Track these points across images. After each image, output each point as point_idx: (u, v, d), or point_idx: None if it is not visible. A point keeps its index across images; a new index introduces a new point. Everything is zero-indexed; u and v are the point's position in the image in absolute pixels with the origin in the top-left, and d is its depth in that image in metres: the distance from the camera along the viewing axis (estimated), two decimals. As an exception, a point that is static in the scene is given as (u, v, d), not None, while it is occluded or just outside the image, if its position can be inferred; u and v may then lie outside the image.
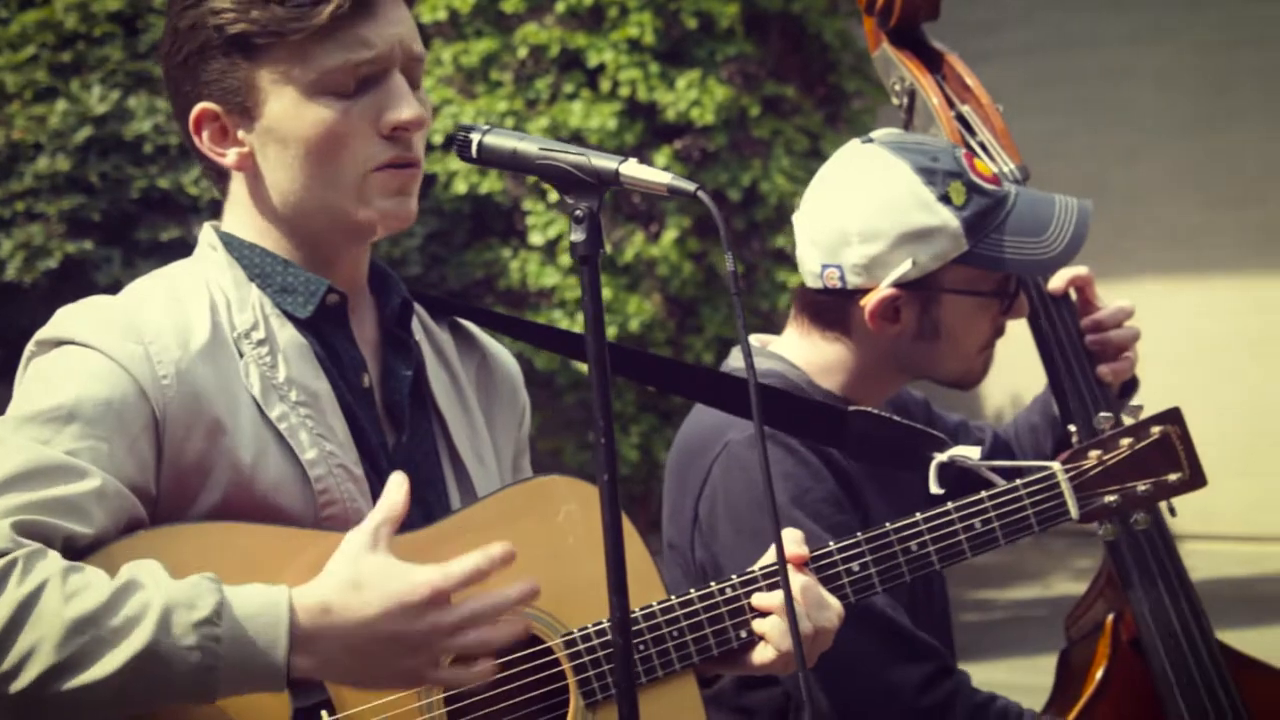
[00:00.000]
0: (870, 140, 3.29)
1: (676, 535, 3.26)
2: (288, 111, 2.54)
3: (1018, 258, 3.21)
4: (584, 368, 9.85)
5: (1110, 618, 3.42)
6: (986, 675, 3.53)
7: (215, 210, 2.71)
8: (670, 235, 9.81)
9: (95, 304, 2.55)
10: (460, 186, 10.06)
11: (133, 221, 9.45)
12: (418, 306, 2.76)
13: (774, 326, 10.39)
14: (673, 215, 9.85)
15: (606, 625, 2.57)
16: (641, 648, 2.60)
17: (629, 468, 9.97)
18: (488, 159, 2.45)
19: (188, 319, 2.53)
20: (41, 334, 2.52)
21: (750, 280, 10.09)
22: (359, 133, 2.55)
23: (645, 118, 9.98)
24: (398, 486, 2.47)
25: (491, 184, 10.00)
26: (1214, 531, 11.17)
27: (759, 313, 10.08)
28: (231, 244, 2.63)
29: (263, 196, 2.61)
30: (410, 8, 2.62)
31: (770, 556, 2.71)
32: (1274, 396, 12.14)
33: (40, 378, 2.48)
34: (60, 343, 2.50)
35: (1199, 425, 3.00)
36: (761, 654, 2.66)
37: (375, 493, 2.55)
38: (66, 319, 2.52)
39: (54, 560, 2.31)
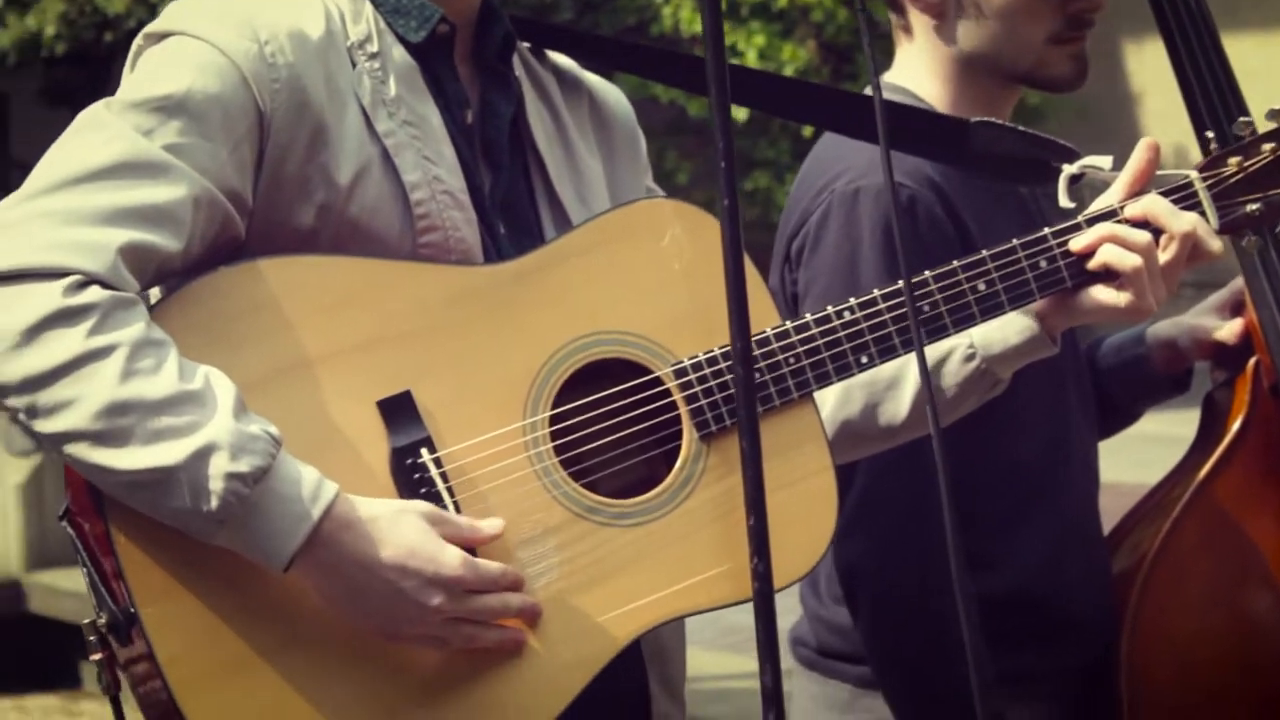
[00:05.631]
0: None
1: (774, 276, 3.17)
2: None
3: None
4: (743, 114, 9.73)
5: (1252, 362, 3.28)
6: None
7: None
8: (824, -21, 9.70)
9: None
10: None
11: None
12: (521, 44, 2.64)
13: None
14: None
15: (719, 352, 2.46)
16: (756, 375, 2.46)
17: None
18: None
19: (303, 22, 2.41)
20: (151, 27, 2.41)
21: None
22: None
23: None
24: (491, 528, 2.34)
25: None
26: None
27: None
28: None
29: None
30: None
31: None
32: None
33: (149, 67, 2.37)
34: (172, 34, 2.38)
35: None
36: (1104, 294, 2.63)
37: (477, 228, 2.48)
38: (180, 11, 2.40)
39: (136, 324, 2.22)
